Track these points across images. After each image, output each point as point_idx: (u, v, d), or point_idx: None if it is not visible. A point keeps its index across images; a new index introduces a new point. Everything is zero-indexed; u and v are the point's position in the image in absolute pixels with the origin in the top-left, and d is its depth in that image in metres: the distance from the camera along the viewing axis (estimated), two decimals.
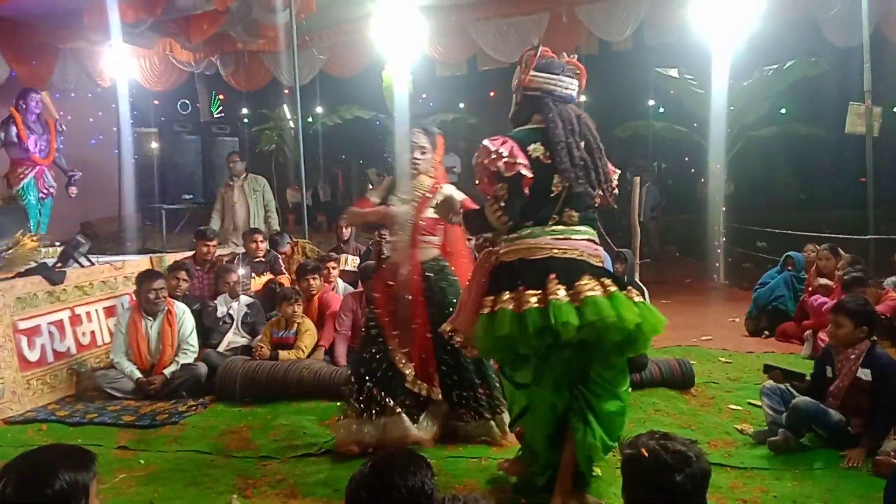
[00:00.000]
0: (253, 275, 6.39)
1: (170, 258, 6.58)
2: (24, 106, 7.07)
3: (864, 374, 3.78)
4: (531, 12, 8.61)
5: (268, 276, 6.54)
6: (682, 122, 11.86)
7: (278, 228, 7.97)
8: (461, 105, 18.45)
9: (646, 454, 1.87)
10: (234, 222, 7.85)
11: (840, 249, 6.65)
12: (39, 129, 7.18)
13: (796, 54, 9.66)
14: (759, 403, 4.41)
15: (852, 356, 3.85)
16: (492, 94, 19.76)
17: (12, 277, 5.15)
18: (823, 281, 6.36)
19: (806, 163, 16.04)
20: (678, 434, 1.96)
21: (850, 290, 5.62)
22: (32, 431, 4.50)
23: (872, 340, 3.85)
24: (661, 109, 15.69)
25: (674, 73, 10.38)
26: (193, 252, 6.60)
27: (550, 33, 8.58)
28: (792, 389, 3.99)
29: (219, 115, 14.78)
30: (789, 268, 7.02)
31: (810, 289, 6.46)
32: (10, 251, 5.55)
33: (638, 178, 8.80)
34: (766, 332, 6.70)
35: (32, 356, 5.06)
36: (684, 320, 7.26)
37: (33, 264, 5.50)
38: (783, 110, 13.93)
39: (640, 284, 7.03)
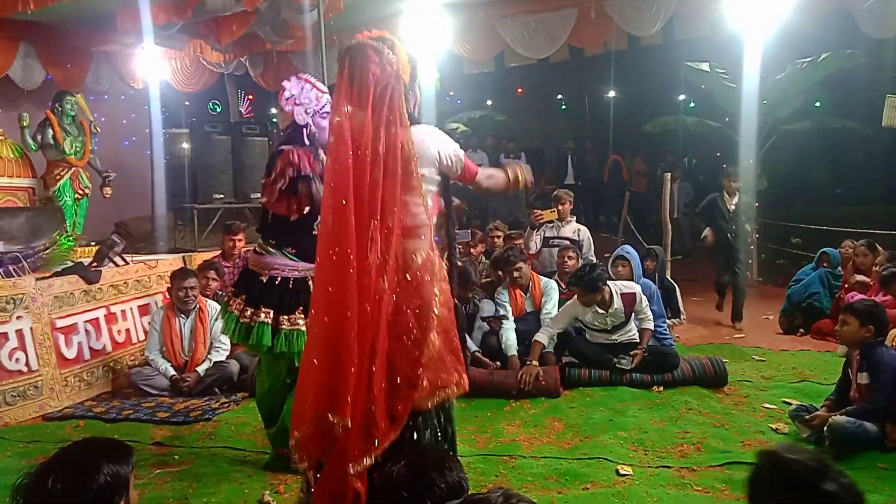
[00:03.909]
0: None
1: (198, 257, 6.64)
2: (59, 109, 7.21)
3: (863, 378, 3.75)
4: (559, 8, 8.53)
5: None
6: (713, 116, 11.68)
7: None
8: (489, 102, 18.41)
9: (812, 466, 1.66)
10: None
11: (877, 245, 6.52)
12: (75, 131, 7.32)
13: (831, 46, 9.46)
14: (793, 402, 4.36)
15: (857, 359, 3.81)
16: (519, 90, 19.69)
17: (50, 276, 5.26)
18: (860, 277, 6.25)
19: (841, 157, 15.72)
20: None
21: (888, 286, 5.52)
22: (70, 427, 4.59)
23: (877, 340, 3.79)
24: (692, 104, 15.48)
25: (705, 67, 10.23)
26: (221, 250, 6.67)
27: (579, 29, 8.50)
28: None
29: (248, 116, 14.93)
30: (825, 264, 6.89)
31: (847, 286, 6.34)
32: (47, 251, 5.67)
33: (669, 175, 8.72)
34: (801, 330, 6.59)
35: (70, 354, 5.17)
36: (717, 318, 7.17)
37: (70, 264, 5.62)
38: (818, 104, 13.65)
39: (672, 281, 6.98)
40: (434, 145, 2.60)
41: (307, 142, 3.53)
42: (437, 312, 2.50)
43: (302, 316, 3.50)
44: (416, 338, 2.42)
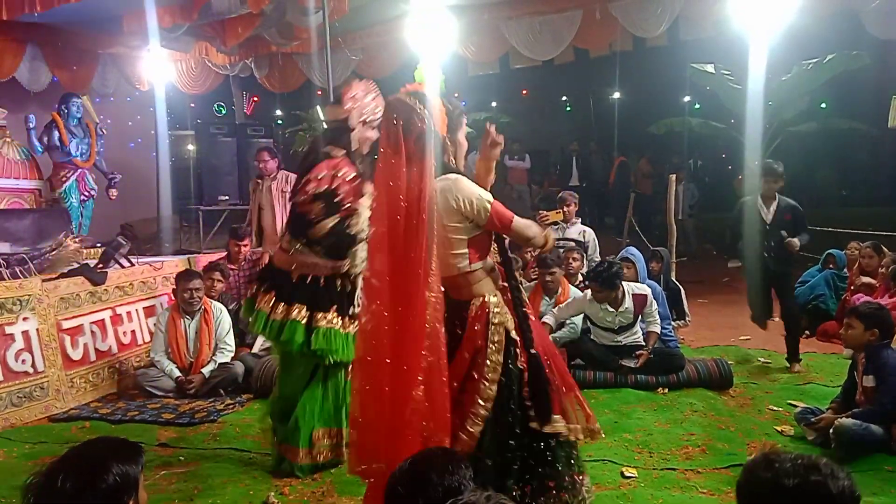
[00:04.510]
0: None
1: (202, 259, 6.64)
2: (65, 111, 7.23)
3: (868, 380, 3.75)
4: (564, 9, 8.53)
5: None
6: (718, 118, 11.67)
7: None
8: (493, 104, 18.42)
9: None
10: (260, 226, 7.08)
11: (883, 247, 6.50)
12: (81, 133, 7.35)
13: (836, 47, 9.44)
14: (798, 404, 4.35)
15: (862, 362, 3.81)
16: (524, 92, 19.69)
17: (56, 278, 5.28)
18: (866, 279, 6.23)
19: (847, 159, 15.69)
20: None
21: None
22: (76, 428, 4.61)
23: (882, 343, 3.78)
24: (697, 106, 15.44)
25: (710, 68, 10.22)
26: (227, 252, 6.67)
27: (584, 30, 8.50)
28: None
29: (253, 117, 14.98)
30: (830, 266, 6.87)
31: (853, 287, 6.32)
32: (53, 252, 5.68)
33: (674, 176, 8.71)
34: (807, 332, 6.56)
35: (75, 355, 5.18)
36: (722, 320, 7.16)
37: (76, 265, 5.64)
38: (823, 105, 13.62)
39: (677, 283, 6.97)
40: (452, 194, 2.61)
41: (350, 147, 3.53)
42: (490, 360, 2.60)
43: (337, 315, 3.50)
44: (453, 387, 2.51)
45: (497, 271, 2.75)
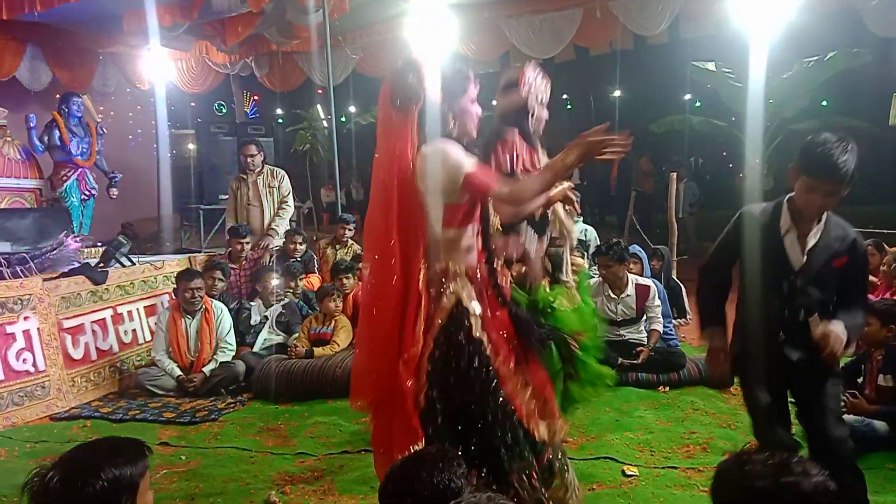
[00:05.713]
0: (296, 280, 6.31)
1: (204, 258, 6.63)
2: (66, 110, 7.23)
3: (887, 380, 3.71)
4: (564, 8, 8.54)
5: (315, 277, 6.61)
6: (719, 116, 11.67)
7: (276, 228, 6.80)
8: (494, 102, 18.40)
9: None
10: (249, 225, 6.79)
11: (885, 245, 6.48)
12: (81, 132, 7.35)
13: (837, 45, 9.43)
14: None
15: (878, 359, 3.78)
16: None
17: (57, 277, 5.28)
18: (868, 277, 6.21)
19: None
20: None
21: None
22: (77, 427, 4.61)
23: None
24: (698, 104, 15.45)
25: (711, 66, 10.22)
26: (229, 250, 6.66)
27: (584, 28, 8.50)
28: None
29: (254, 116, 14.98)
30: None
31: None
32: (54, 252, 5.69)
33: (675, 174, 8.68)
34: None
35: (77, 354, 5.19)
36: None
37: (77, 264, 5.64)
38: (824, 103, 13.63)
39: (677, 281, 6.95)
40: (433, 158, 2.47)
41: (529, 129, 3.50)
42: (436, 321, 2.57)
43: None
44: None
45: (474, 249, 2.60)
